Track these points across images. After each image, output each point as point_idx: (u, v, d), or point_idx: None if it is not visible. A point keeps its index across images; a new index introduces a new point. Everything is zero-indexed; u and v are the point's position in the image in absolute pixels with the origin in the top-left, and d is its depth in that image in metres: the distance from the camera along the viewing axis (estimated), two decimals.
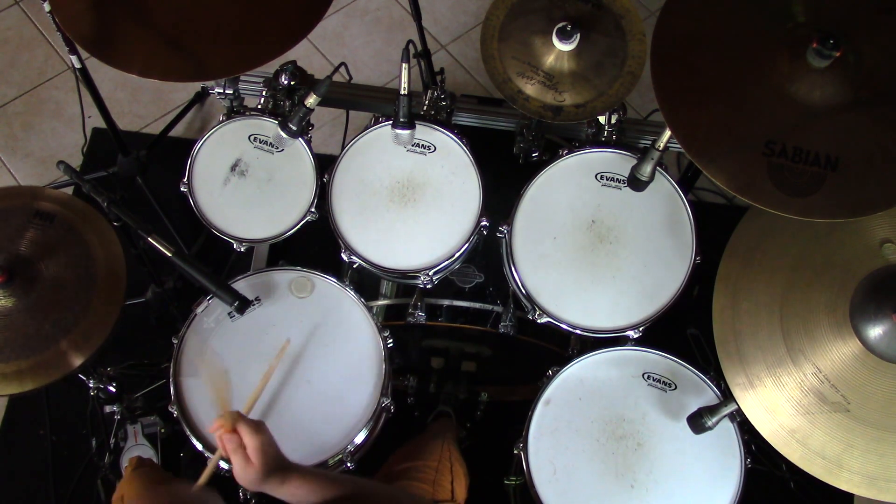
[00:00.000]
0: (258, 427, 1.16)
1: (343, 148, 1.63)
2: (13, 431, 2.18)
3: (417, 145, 1.61)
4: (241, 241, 1.61)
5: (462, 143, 1.61)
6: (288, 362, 1.49)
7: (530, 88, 1.49)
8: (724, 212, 2.50)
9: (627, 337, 1.53)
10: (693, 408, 1.42)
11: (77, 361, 1.38)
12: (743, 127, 1.27)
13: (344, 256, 1.58)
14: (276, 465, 1.16)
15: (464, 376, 2.00)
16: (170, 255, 1.38)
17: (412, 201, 1.59)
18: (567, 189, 1.58)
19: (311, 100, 1.51)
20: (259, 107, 1.69)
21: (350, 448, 1.44)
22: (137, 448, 1.91)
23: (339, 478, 1.22)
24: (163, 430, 1.95)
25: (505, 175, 1.67)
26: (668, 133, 1.38)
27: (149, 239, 1.40)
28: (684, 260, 1.52)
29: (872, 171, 1.24)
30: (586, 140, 1.69)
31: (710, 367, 1.50)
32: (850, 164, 1.24)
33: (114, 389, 1.77)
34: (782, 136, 1.25)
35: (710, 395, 1.49)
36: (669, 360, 1.52)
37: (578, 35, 1.44)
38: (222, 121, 1.65)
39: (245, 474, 1.14)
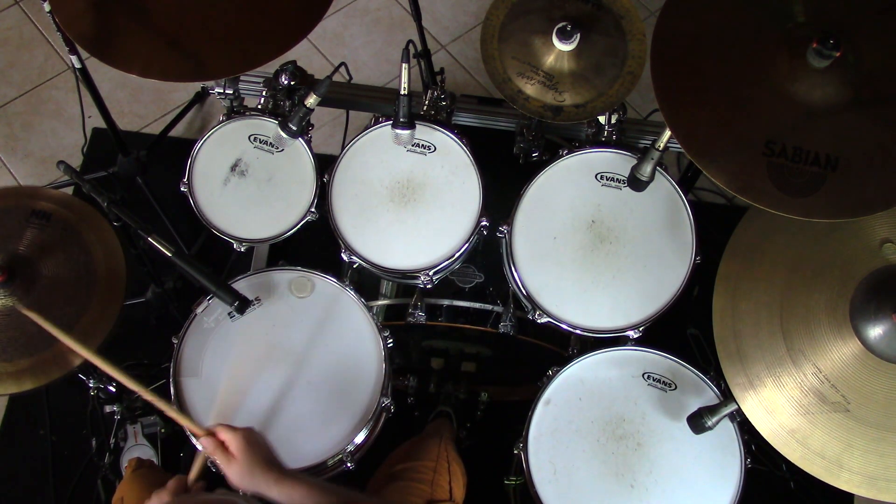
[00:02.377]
0: (241, 429, 1.19)
1: (343, 148, 1.63)
2: (13, 431, 2.18)
3: (417, 145, 1.61)
4: (241, 241, 1.61)
5: (462, 143, 1.61)
6: (288, 362, 1.50)
7: (530, 88, 1.49)
8: (724, 212, 2.50)
9: (627, 337, 1.53)
10: (693, 408, 1.42)
11: (77, 361, 1.38)
12: (743, 127, 1.28)
13: (344, 256, 1.58)
14: (265, 462, 1.17)
15: (464, 376, 2.00)
16: (170, 255, 1.38)
17: (412, 201, 1.59)
18: (567, 189, 1.58)
19: (311, 100, 1.51)
20: (259, 107, 1.69)
21: (350, 448, 1.44)
22: (137, 448, 1.91)
23: (335, 489, 1.23)
24: (163, 430, 1.95)
25: (505, 175, 1.67)
26: (668, 133, 1.38)
27: (149, 239, 1.40)
28: (684, 260, 1.52)
29: (872, 171, 1.24)
30: (586, 140, 1.69)
31: (710, 367, 1.50)
32: (850, 164, 1.24)
33: (114, 389, 1.77)
34: (782, 136, 1.25)
35: (710, 395, 1.49)
36: (669, 360, 1.52)
37: (578, 35, 1.44)
38: (222, 121, 1.65)
39: (230, 470, 1.17)
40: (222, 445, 1.18)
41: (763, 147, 1.25)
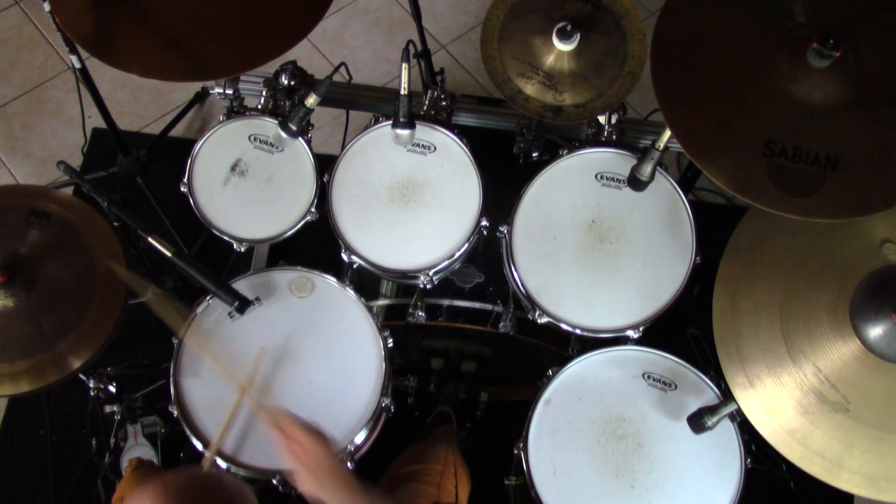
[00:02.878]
0: (311, 428, 1.15)
1: (343, 148, 1.63)
2: (13, 431, 2.18)
3: (417, 145, 1.61)
4: (241, 241, 1.61)
5: (462, 143, 1.61)
6: (288, 362, 1.49)
7: (530, 88, 1.49)
8: (724, 212, 2.50)
9: (627, 337, 1.53)
10: (693, 408, 1.42)
11: (77, 363, 1.38)
12: (743, 127, 1.27)
13: (344, 256, 1.58)
14: (336, 471, 1.13)
15: (464, 376, 2.00)
16: (170, 255, 1.38)
17: (412, 201, 1.59)
18: (567, 189, 1.58)
19: (311, 100, 1.51)
20: (259, 107, 1.69)
21: (350, 448, 1.44)
22: (137, 448, 1.91)
23: None
24: (163, 430, 1.95)
25: (505, 175, 1.67)
26: (668, 133, 1.38)
27: (149, 239, 1.40)
28: (684, 260, 1.52)
29: (872, 171, 1.24)
30: (586, 140, 1.69)
31: (710, 367, 1.50)
32: (849, 164, 1.24)
33: (114, 389, 1.77)
34: (782, 136, 1.25)
35: (710, 395, 1.49)
36: (669, 360, 1.52)
37: (578, 35, 1.44)
38: (222, 121, 1.65)
39: (300, 476, 1.12)
40: (290, 444, 1.14)
41: (763, 147, 1.25)
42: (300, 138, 1.61)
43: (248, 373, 1.41)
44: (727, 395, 1.39)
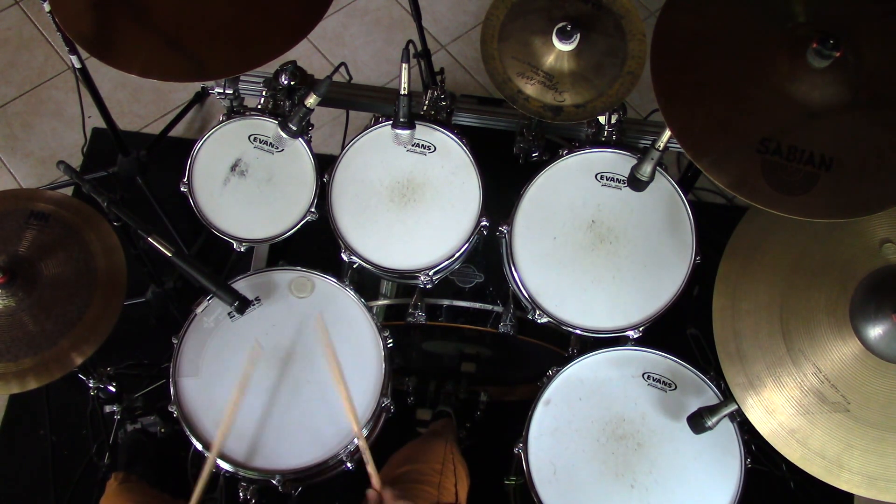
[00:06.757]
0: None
1: (343, 148, 1.63)
2: (13, 431, 2.18)
3: (417, 145, 1.61)
4: (241, 241, 1.61)
5: (462, 143, 1.61)
6: (288, 362, 1.49)
7: (530, 88, 1.49)
8: (724, 212, 2.50)
9: (627, 337, 1.53)
10: (693, 408, 1.43)
11: (79, 359, 1.38)
12: (742, 126, 1.28)
13: (344, 256, 1.58)
14: None
15: (464, 376, 2.00)
16: (170, 255, 1.38)
17: (412, 201, 1.59)
18: (567, 189, 1.58)
19: (311, 100, 1.51)
20: (259, 107, 1.69)
21: (350, 448, 1.44)
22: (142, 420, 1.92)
23: None
24: (162, 430, 1.95)
25: (505, 175, 1.67)
26: (668, 133, 1.38)
27: (149, 239, 1.40)
28: (684, 260, 1.52)
29: (866, 174, 1.24)
30: (586, 140, 1.69)
31: (710, 367, 1.50)
32: (844, 165, 1.24)
33: (114, 389, 1.78)
34: (778, 135, 1.25)
35: (710, 395, 1.49)
36: (669, 360, 1.52)
37: (578, 35, 1.44)
38: (222, 121, 1.65)
39: None
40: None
41: (758, 144, 1.25)
42: (300, 138, 1.61)
43: (243, 371, 1.43)
44: (727, 395, 1.39)
